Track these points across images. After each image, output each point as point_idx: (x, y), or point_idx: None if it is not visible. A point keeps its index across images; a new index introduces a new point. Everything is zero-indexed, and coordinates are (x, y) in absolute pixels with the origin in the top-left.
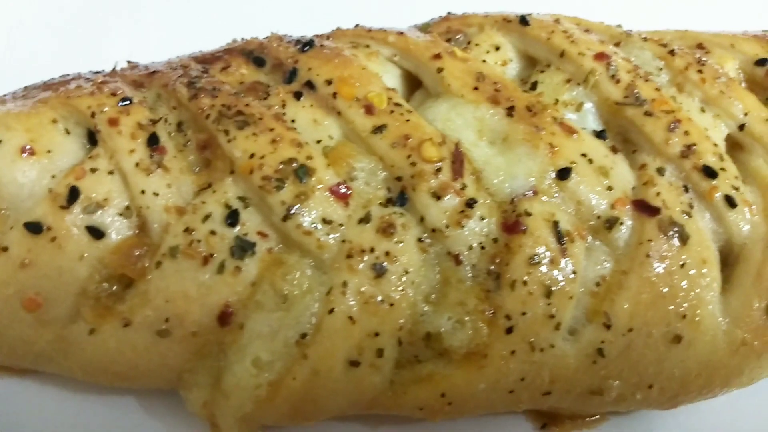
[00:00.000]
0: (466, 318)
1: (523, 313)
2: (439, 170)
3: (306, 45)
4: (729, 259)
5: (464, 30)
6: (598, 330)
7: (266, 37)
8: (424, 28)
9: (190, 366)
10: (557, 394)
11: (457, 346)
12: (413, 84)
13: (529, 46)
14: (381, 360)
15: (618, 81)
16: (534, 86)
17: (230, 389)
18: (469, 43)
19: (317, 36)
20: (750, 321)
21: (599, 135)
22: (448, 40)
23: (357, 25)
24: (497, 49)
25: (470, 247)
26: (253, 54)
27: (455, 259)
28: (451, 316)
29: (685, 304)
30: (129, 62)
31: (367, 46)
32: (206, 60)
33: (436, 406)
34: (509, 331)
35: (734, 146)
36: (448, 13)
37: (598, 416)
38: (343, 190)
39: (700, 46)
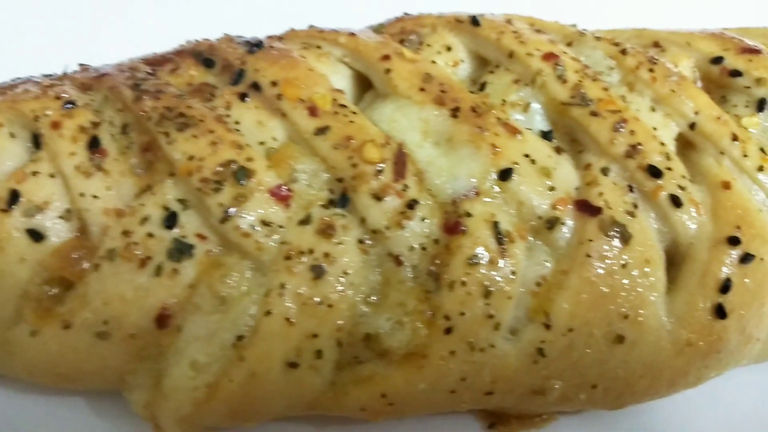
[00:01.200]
0: (406, 319)
1: (462, 314)
2: (380, 171)
3: (255, 46)
4: (676, 259)
5: (418, 30)
6: (538, 330)
7: (218, 39)
8: (379, 28)
9: (131, 368)
10: (499, 393)
11: (396, 347)
12: (365, 85)
13: (480, 46)
14: (320, 361)
15: (565, 81)
16: (483, 87)
17: (169, 391)
18: (421, 43)
19: (269, 37)
20: (695, 321)
21: (546, 135)
22: (402, 41)
23: (311, 26)
24: (449, 49)
25: (411, 248)
26: (203, 55)
27: (396, 260)
28: (390, 317)
29: (627, 304)
30: (81, 65)
31: (319, 47)
32: (156, 62)
33: (377, 406)
34: (448, 331)
35: (686, 145)
36: (404, 13)
37: (545, 416)
38: (284, 192)
39: (656, 45)
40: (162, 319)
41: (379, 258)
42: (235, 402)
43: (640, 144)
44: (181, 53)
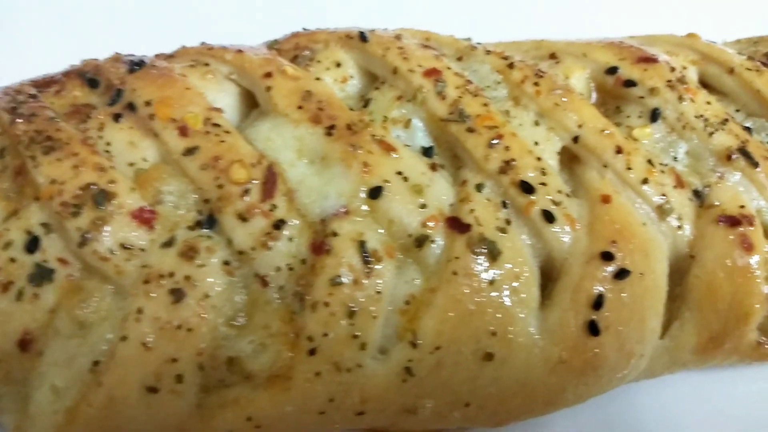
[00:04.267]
0: (269, 341)
1: (325, 335)
2: (247, 192)
3: (136, 65)
4: (552, 274)
5: (311, 46)
6: (406, 349)
7: (106, 58)
8: (273, 44)
9: (0, 392)
10: (371, 413)
11: (259, 370)
12: (255, 102)
13: (368, 62)
14: (181, 386)
15: (444, 97)
16: (367, 103)
17: (34, 415)
18: (311, 59)
19: (157, 55)
20: (567, 338)
21: (427, 152)
22: (296, 57)
23: (202, 43)
24: (338, 65)
25: (278, 269)
26: (88, 75)
27: (262, 281)
28: (253, 340)
29: (495, 322)
30: None
31: (207, 65)
32: (43, 84)
33: (244, 429)
34: (312, 352)
35: (573, 159)
36: (304, 29)
37: None
38: (146, 215)
39: (552, 56)
40: (24, 344)
41: (246, 279)
42: (96, 426)
43: (513, 160)
44: (68, 74)
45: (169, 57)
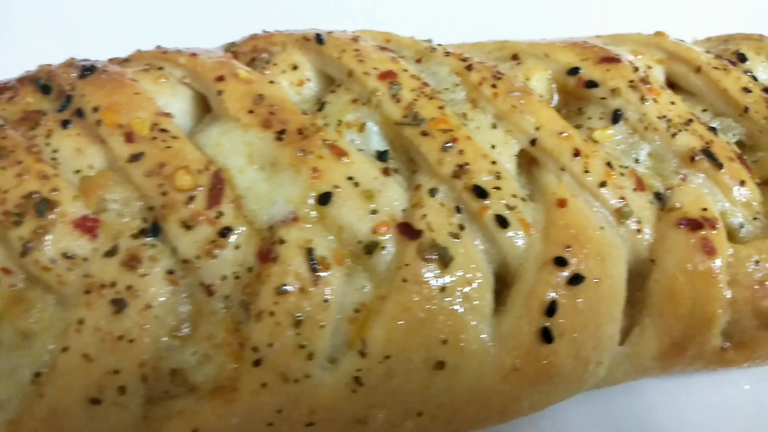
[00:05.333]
0: (213, 352)
1: (271, 345)
2: (191, 199)
3: (87, 70)
4: (507, 280)
5: (269, 49)
6: (354, 358)
7: (60, 63)
8: (230, 47)
9: None
10: (321, 424)
11: (203, 382)
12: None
13: (324, 65)
14: (125, 397)
15: (399, 100)
16: (322, 107)
17: None
18: (267, 62)
19: (111, 60)
20: (519, 346)
21: (382, 156)
22: (253, 59)
23: (158, 47)
24: (294, 68)
25: (223, 278)
26: (40, 82)
27: (207, 291)
28: (197, 351)
29: (447, 329)
30: None
31: (161, 69)
32: None
33: None
34: (257, 363)
35: (532, 162)
36: (263, 30)
37: None
38: (89, 223)
39: (514, 57)
40: None
41: (191, 289)
42: None
43: (467, 164)
44: (22, 80)
45: (124, 61)
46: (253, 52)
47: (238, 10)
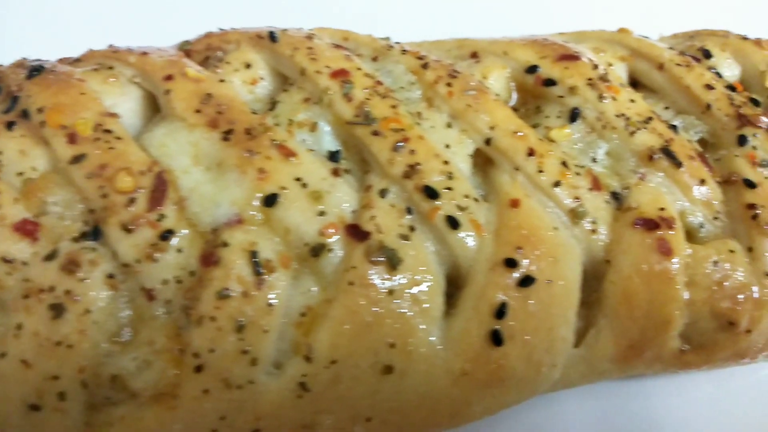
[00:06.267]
0: (153, 358)
1: (212, 350)
2: (132, 201)
3: (35, 70)
4: (459, 282)
5: (224, 47)
6: (300, 363)
7: (11, 64)
8: (184, 45)
9: None
10: (267, 431)
11: (143, 388)
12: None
13: (278, 63)
14: (65, 403)
15: (350, 99)
16: (274, 106)
17: None
18: (220, 60)
19: (61, 60)
20: (469, 349)
21: (334, 156)
22: (207, 58)
23: (110, 46)
24: (248, 66)
25: (165, 282)
26: None
27: (148, 295)
28: (136, 357)
29: (395, 333)
30: None
31: (111, 68)
32: None
33: None
34: (199, 369)
35: (488, 162)
36: (219, 29)
37: None
38: (29, 226)
39: (474, 55)
40: None
41: (131, 293)
42: None
43: (419, 164)
44: None
45: (76, 61)
46: (208, 51)
47: (211, 8)
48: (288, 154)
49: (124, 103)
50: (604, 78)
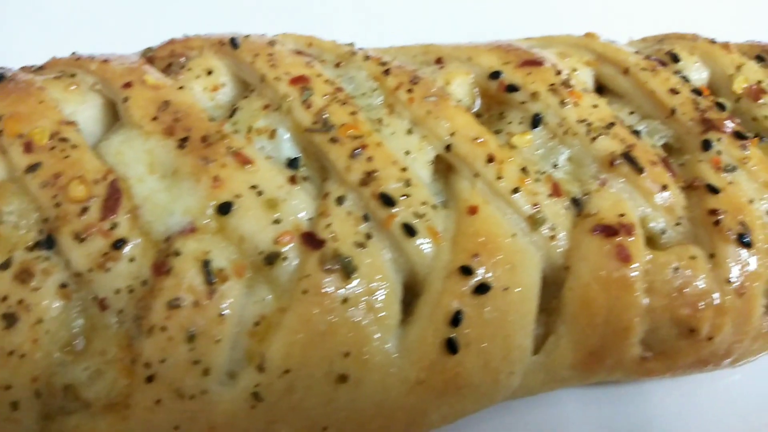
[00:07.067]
0: (105, 368)
1: (163, 361)
2: (85, 210)
3: None
4: (417, 290)
5: (187, 53)
6: (253, 373)
7: None
8: (147, 51)
9: None
10: None
11: (95, 398)
12: None
13: (239, 70)
14: (18, 413)
15: (309, 106)
16: (234, 113)
17: None
18: (182, 67)
19: (23, 68)
20: (424, 357)
21: (292, 163)
22: (170, 64)
23: (73, 53)
24: (209, 73)
25: (117, 291)
26: None
27: (101, 305)
28: (89, 367)
29: (349, 341)
30: None
31: (73, 76)
32: None
33: None
34: (150, 379)
35: (450, 168)
36: (185, 35)
37: None
38: None
39: (438, 61)
40: None
41: (84, 303)
42: None
43: (376, 171)
44: None
45: (39, 69)
46: (171, 57)
47: (193, 14)
48: (244, 161)
49: (85, 111)
50: (566, 83)
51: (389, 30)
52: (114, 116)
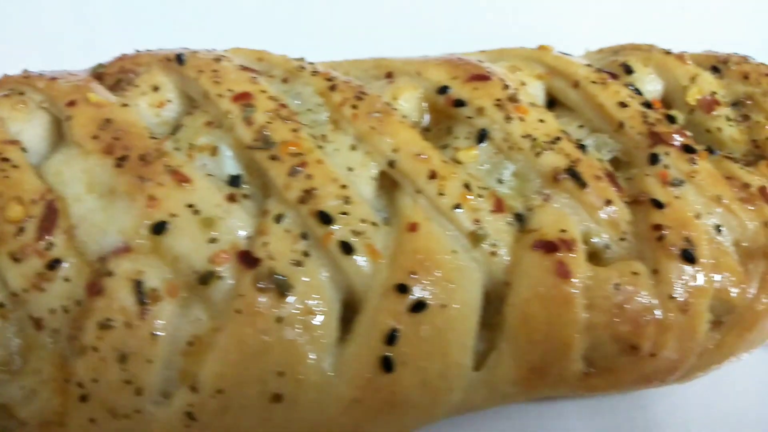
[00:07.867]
0: (40, 387)
1: (95, 380)
2: (21, 230)
3: None
4: (356, 308)
5: (135, 69)
6: (186, 393)
7: None
8: (97, 68)
9: None
10: None
11: (30, 417)
12: None
13: (185, 86)
14: None
15: (251, 123)
16: (177, 130)
17: None
18: (129, 83)
19: None
20: (359, 376)
21: (234, 180)
22: (119, 81)
23: (24, 71)
24: (156, 89)
25: (52, 311)
26: None
27: (37, 324)
28: (24, 386)
29: (283, 361)
30: None
31: (22, 93)
32: None
33: None
34: (84, 399)
35: (395, 185)
36: (137, 50)
37: None
38: None
39: (388, 75)
40: None
41: (21, 322)
42: None
43: (315, 188)
44: None
45: None
46: (120, 73)
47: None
48: (182, 179)
49: (31, 129)
50: (513, 98)
51: (349, 42)
52: (61, 134)
